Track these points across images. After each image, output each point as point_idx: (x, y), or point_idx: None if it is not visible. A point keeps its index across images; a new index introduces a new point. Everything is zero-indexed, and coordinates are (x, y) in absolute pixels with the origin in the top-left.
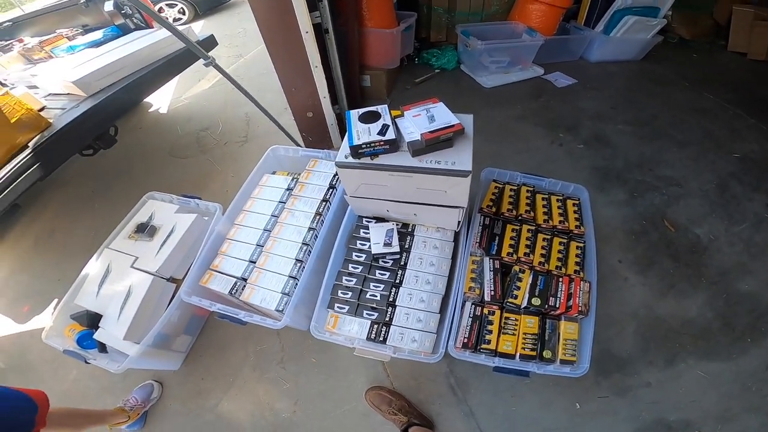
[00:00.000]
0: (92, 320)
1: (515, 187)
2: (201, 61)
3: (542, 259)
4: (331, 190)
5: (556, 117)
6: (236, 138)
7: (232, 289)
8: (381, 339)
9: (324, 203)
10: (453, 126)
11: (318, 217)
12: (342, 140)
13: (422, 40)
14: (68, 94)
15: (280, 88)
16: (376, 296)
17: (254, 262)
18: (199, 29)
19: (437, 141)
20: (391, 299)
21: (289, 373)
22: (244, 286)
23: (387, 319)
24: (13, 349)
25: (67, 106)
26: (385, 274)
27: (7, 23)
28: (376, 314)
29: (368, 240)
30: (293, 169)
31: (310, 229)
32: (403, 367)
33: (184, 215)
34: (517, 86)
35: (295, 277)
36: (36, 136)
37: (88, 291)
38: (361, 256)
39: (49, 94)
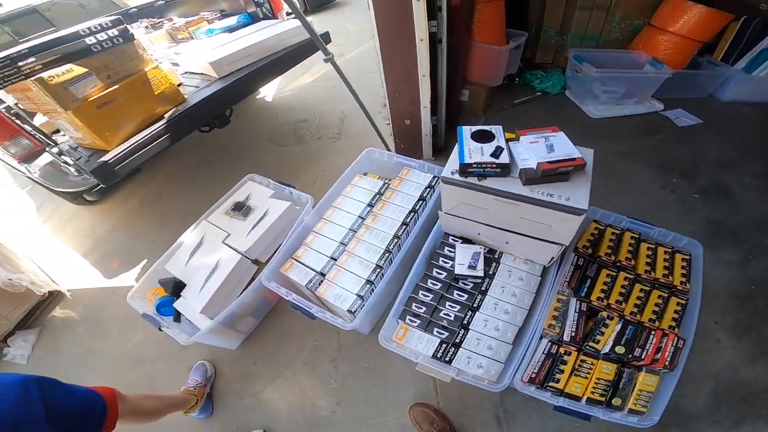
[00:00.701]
0: (176, 288)
1: (618, 232)
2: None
3: (635, 309)
4: (420, 201)
5: (671, 159)
6: (330, 134)
7: (309, 281)
8: (447, 359)
9: (412, 213)
10: (575, 159)
11: (404, 227)
12: (430, 150)
13: (526, 60)
14: (202, 74)
15: (375, 89)
16: (450, 316)
17: (335, 260)
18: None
19: (554, 173)
20: (465, 321)
21: (339, 373)
22: (322, 281)
23: (457, 340)
24: (92, 302)
25: (200, 85)
26: (463, 296)
27: (161, 2)
28: (446, 333)
29: (452, 259)
30: (384, 174)
31: (395, 237)
32: (453, 388)
33: (278, 201)
34: (629, 120)
35: (372, 282)
36: (172, 108)
37: (180, 258)
38: (442, 274)
39: (186, 72)
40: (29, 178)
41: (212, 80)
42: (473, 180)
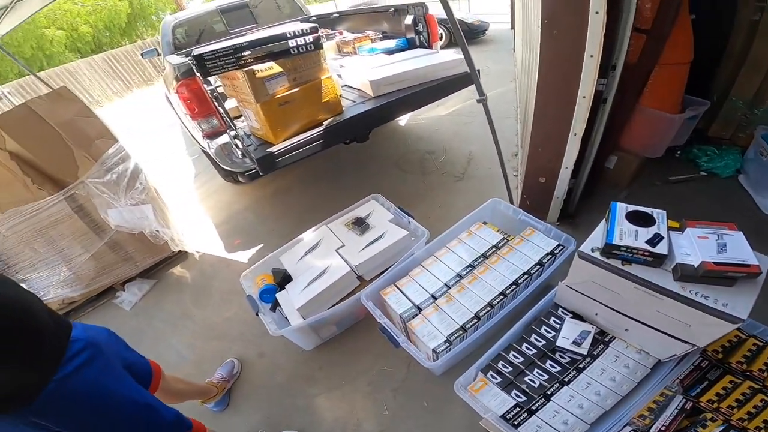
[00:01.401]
0: (284, 280)
1: (761, 343)
2: None
3: (745, 416)
4: (538, 266)
5: None
6: (455, 171)
7: (405, 311)
8: (515, 423)
9: (525, 276)
10: (749, 266)
11: (514, 286)
12: (557, 214)
13: (697, 131)
14: (359, 90)
15: (509, 136)
16: (535, 383)
17: (435, 298)
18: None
19: (718, 275)
20: (548, 392)
21: (395, 404)
22: (416, 314)
23: (533, 407)
24: (207, 269)
25: (357, 100)
26: (555, 368)
27: (336, 15)
28: (524, 398)
29: (555, 330)
30: (503, 226)
31: (501, 294)
32: None
33: (395, 227)
34: None
35: (465, 330)
36: (331, 117)
37: (295, 253)
38: (540, 342)
39: (345, 86)
40: (203, 151)
41: (368, 98)
42: (616, 263)
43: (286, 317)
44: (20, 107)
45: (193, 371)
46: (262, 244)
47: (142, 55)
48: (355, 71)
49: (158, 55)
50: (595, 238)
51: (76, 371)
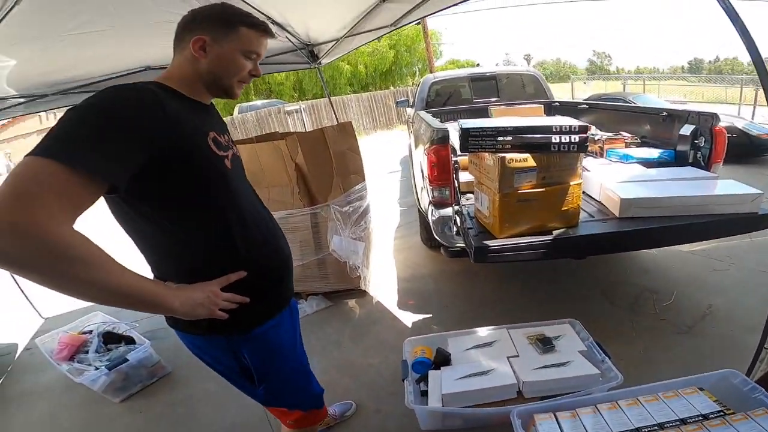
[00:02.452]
0: (443, 361)
1: None
2: None
3: None
4: None
5: None
6: (679, 321)
7: None
8: None
9: None
10: None
11: None
12: None
13: None
14: (600, 203)
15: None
16: None
17: None
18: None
19: None
20: None
21: None
22: None
23: None
24: (375, 313)
25: (595, 215)
26: None
27: (584, 106)
28: None
29: None
30: (724, 397)
31: None
32: None
33: (585, 361)
34: None
35: None
36: (563, 228)
37: (463, 340)
38: None
39: (582, 192)
40: (419, 211)
41: (610, 217)
42: None
43: (426, 393)
44: (317, 131)
45: None
46: (431, 315)
47: (396, 103)
48: (600, 179)
49: (409, 106)
50: None
51: (282, 322)
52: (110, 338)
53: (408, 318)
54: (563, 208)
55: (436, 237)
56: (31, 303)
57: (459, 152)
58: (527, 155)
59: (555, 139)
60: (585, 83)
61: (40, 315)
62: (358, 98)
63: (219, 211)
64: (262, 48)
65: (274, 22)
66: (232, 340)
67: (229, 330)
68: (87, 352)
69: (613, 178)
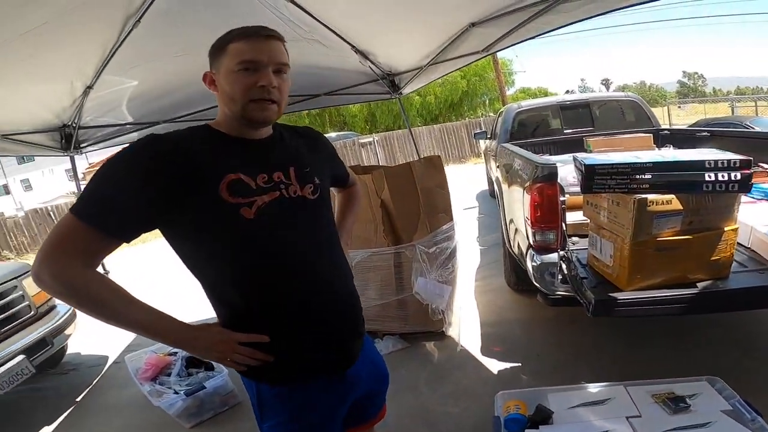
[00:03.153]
0: (542, 419)
1: None
2: None
3: None
4: None
5: None
6: None
7: None
8: None
9: None
10: None
11: None
12: None
13: None
14: (752, 251)
15: None
16: None
17: None
18: None
19: None
20: None
21: None
22: None
23: None
24: (456, 358)
25: (748, 265)
26: None
27: (704, 134)
28: None
29: None
30: None
31: None
32: None
33: (732, 422)
34: None
35: None
36: (710, 281)
37: (569, 398)
38: None
39: None
40: (510, 252)
41: (767, 267)
42: None
43: None
44: (404, 165)
45: None
46: (520, 364)
47: (474, 135)
48: (749, 221)
49: (488, 138)
50: None
51: (308, 392)
52: (192, 363)
53: (494, 365)
54: (712, 258)
55: (536, 283)
56: None
57: (581, 191)
58: (671, 196)
59: (709, 176)
60: (680, 107)
61: None
62: (430, 130)
63: (230, 260)
64: (260, 53)
65: (357, 51)
66: (261, 388)
67: (258, 377)
68: (170, 375)
69: (763, 220)
